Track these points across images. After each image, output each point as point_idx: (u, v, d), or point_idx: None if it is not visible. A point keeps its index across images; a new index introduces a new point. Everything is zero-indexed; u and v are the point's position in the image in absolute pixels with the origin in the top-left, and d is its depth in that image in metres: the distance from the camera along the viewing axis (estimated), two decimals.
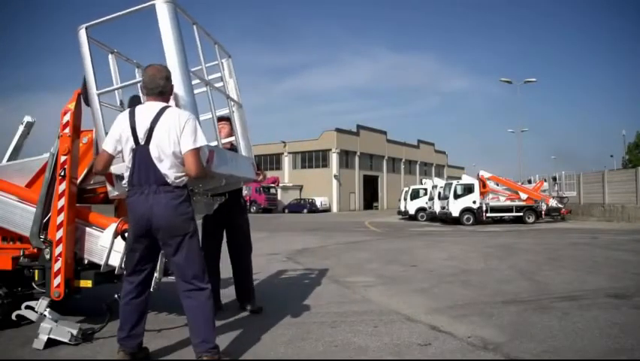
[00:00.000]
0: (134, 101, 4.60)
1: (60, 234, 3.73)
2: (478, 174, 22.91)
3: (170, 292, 4.49)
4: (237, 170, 3.98)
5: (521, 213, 22.02)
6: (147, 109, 3.10)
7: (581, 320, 4.23)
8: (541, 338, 3.69)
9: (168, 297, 4.79)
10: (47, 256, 3.78)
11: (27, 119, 4.88)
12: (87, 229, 3.98)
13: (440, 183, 26.29)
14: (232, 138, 4.44)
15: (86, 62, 3.63)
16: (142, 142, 3.03)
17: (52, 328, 3.55)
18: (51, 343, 3.54)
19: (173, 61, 3.25)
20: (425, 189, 28.15)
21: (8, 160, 4.67)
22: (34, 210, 3.92)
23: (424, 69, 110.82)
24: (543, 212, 22.25)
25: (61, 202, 3.76)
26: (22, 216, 4.00)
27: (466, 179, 24.11)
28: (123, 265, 3.83)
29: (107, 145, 3.16)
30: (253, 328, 4.04)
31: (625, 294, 5.32)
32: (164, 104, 3.13)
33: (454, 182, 23.85)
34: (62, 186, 3.77)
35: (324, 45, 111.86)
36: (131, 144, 3.06)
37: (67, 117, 3.82)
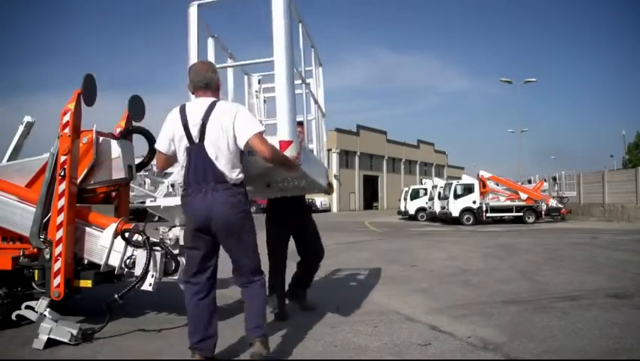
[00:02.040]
0: (134, 101, 4.62)
1: (60, 234, 3.74)
2: (478, 174, 22.88)
3: (170, 292, 4.50)
4: (317, 175, 3.94)
5: (521, 213, 21.99)
6: (196, 105, 3.03)
7: (581, 320, 4.23)
8: (541, 338, 3.69)
9: (168, 297, 4.80)
10: (47, 256, 3.79)
11: (27, 119, 4.89)
12: (87, 229, 3.99)
13: (440, 183, 26.25)
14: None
15: (191, 39, 3.47)
16: (196, 140, 2.96)
17: (52, 328, 3.55)
18: (51, 343, 3.54)
19: (280, 52, 3.15)
20: (425, 189, 28.12)
21: (8, 160, 4.67)
22: (34, 210, 3.92)
23: (424, 69, 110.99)
24: (543, 212, 22.22)
25: (61, 202, 3.76)
26: (22, 216, 4.00)
27: (466, 179, 24.07)
28: (121, 265, 3.85)
29: (161, 145, 3.13)
30: None
31: (625, 294, 5.31)
32: (213, 99, 3.06)
33: (454, 182, 23.82)
34: (62, 186, 3.78)
35: (324, 45, 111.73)
36: (185, 142, 2.99)
37: (67, 117, 3.82)
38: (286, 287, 4.56)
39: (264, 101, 4.62)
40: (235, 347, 3.58)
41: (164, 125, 3.12)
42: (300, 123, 4.06)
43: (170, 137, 3.07)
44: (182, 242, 3.82)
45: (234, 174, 2.99)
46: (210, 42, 3.86)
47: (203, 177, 2.95)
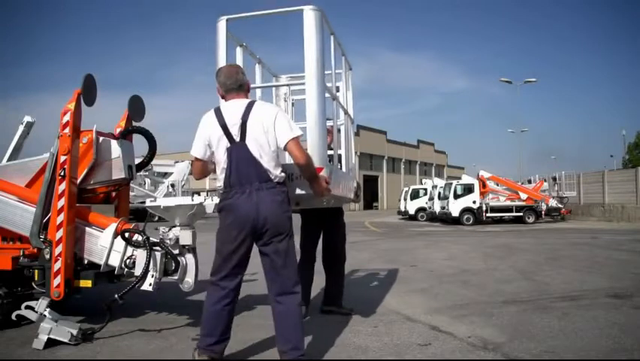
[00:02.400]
0: (134, 101, 4.62)
1: (60, 234, 3.73)
2: (478, 174, 22.90)
3: (170, 292, 4.50)
4: (345, 191, 3.97)
5: (521, 213, 22.01)
6: (233, 105, 2.98)
7: (581, 320, 4.23)
8: (541, 338, 3.69)
9: (168, 297, 4.81)
10: (47, 256, 3.78)
11: (27, 119, 4.89)
12: (87, 228, 3.98)
13: (440, 183, 26.27)
14: (331, 151, 4.12)
15: (220, 52, 3.50)
16: (237, 139, 2.89)
17: (52, 328, 3.55)
18: (51, 343, 3.53)
19: (311, 66, 3.21)
20: (425, 189, 28.13)
21: (8, 160, 4.67)
22: (34, 210, 3.92)
23: (424, 69, 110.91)
24: (543, 212, 22.22)
25: (61, 202, 3.76)
26: (22, 216, 4.00)
27: (466, 179, 24.09)
28: (121, 265, 3.85)
29: (196, 151, 3.03)
30: (252, 327, 4.04)
31: (625, 294, 5.31)
32: (250, 99, 3.04)
33: (454, 182, 23.84)
34: (62, 186, 3.77)
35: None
36: (225, 143, 2.91)
37: (67, 117, 3.82)
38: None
39: (292, 104, 4.65)
40: (234, 346, 3.58)
41: (199, 130, 3.01)
42: (329, 129, 4.05)
43: (206, 140, 2.97)
44: (182, 242, 3.82)
45: (278, 172, 2.95)
46: (239, 50, 3.89)
47: (247, 176, 2.87)
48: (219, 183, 2.98)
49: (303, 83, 3.44)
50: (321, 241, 4.61)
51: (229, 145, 2.91)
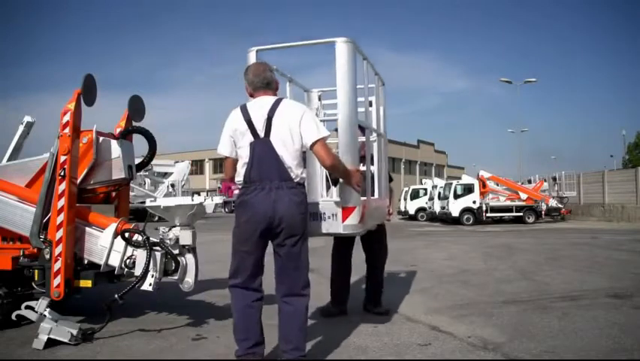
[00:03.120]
0: (134, 101, 4.62)
1: (60, 234, 3.73)
2: (478, 174, 22.90)
3: (170, 292, 4.50)
4: (378, 219, 4.10)
5: (521, 213, 22.01)
6: (260, 102, 2.95)
7: (581, 320, 4.23)
8: (541, 338, 3.69)
9: (168, 297, 4.81)
10: (47, 256, 3.78)
11: (27, 119, 4.89)
12: (87, 228, 3.98)
13: (440, 183, 26.28)
14: (363, 168, 4.01)
15: None
16: (261, 134, 2.85)
17: (52, 328, 3.55)
18: (51, 343, 3.53)
19: (344, 96, 3.30)
20: (425, 189, 28.13)
21: (8, 160, 4.67)
22: (34, 210, 3.92)
23: (424, 69, 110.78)
24: (543, 212, 22.23)
25: (61, 202, 3.76)
26: (22, 216, 4.00)
27: (466, 179, 24.09)
28: (121, 265, 3.85)
29: (223, 149, 3.00)
30: None
31: (625, 294, 5.32)
32: (277, 97, 3.02)
33: (454, 182, 23.84)
34: (62, 186, 3.77)
35: (325, 45, 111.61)
36: (249, 137, 2.87)
37: (67, 117, 3.82)
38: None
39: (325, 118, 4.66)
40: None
41: (225, 127, 2.98)
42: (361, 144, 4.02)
43: (231, 136, 2.94)
44: (182, 242, 3.82)
45: (299, 171, 2.90)
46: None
47: (268, 173, 2.82)
48: (239, 178, 2.94)
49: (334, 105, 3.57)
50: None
51: (252, 140, 2.87)
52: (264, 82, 3.02)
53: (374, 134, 4.27)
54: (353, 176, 3.14)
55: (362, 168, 3.75)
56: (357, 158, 3.44)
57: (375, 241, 4.52)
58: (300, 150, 2.91)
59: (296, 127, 2.87)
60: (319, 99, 4.50)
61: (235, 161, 3.01)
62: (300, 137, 2.88)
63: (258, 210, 2.82)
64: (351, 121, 3.35)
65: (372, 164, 4.22)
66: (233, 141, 2.95)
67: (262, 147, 2.85)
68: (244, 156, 2.90)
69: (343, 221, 3.21)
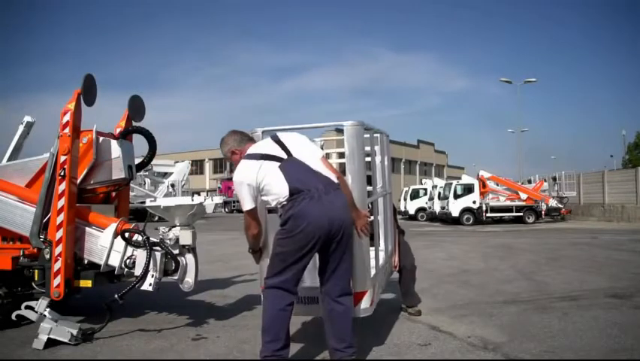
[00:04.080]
0: (134, 101, 4.62)
1: (60, 234, 3.74)
2: (478, 174, 22.88)
3: (170, 292, 4.50)
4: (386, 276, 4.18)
5: (521, 213, 21.98)
6: (259, 144, 3.07)
7: (581, 320, 4.23)
8: (541, 338, 3.69)
9: (168, 297, 4.81)
10: (47, 256, 3.79)
11: (27, 119, 4.89)
12: (87, 229, 3.99)
13: (440, 183, 26.25)
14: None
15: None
16: (285, 157, 2.91)
17: (52, 328, 3.55)
18: (51, 343, 3.53)
19: (353, 170, 3.37)
20: (425, 189, 28.10)
21: (8, 160, 4.67)
22: (34, 210, 3.92)
23: (425, 69, 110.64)
24: (543, 212, 22.19)
25: (61, 202, 3.76)
26: (22, 216, 4.00)
27: (466, 179, 24.07)
28: (121, 265, 3.85)
29: (250, 202, 2.91)
30: (252, 327, 4.04)
31: (625, 294, 5.32)
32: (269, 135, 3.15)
33: (454, 182, 23.81)
34: (62, 186, 3.77)
35: (325, 45, 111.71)
36: (274, 165, 2.87)
37: (67, 117, 3.82)
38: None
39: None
40: (236, 345, 3.58)
41: (241, 181, 2.91)
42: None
43: (251, 185, 2.88)
44: (182, 242, 3.82)
45: (334, 177, 2.95)
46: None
47: (309, 182, 2.84)
48: (277, 198, 2.87)
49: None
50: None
51: (279, 163, 2.89)
52: (247, 137, 3.20)
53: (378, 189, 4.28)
54: (361, 217, 3.09)
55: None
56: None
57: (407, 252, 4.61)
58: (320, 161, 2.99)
59: (306, 146, 3.02)
60: (322, 147, 4.49)
61: (257, 212, 3.01)
62: (312, 152, 3.01)
63: (314, 220, 2.79)
64: (361, 195, 3.39)
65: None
66: (255, 186, 2.90)
67: (292, 164, 2.90)
68: (275, 181, 2.86)
69: (355, 306, 3.16)
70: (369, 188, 3.87)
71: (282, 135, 3.05)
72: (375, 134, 4.16)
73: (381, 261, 3.94)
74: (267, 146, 2.99)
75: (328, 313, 2.97)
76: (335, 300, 2.95)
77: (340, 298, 2.96)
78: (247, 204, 2.92)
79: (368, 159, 3.83)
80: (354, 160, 3.37)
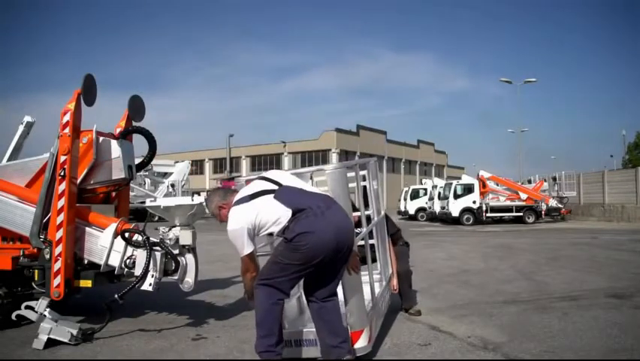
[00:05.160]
0: (134, 101, 4.62)
1: (60, 234, 3.74)
2: (478, 174, 22.89)
3: (170, 292, 4.50)
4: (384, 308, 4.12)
5: (521, 213, 21.99)
6: (244, 188, 3.09)
7: (581, 320, 4.23)
8: (541, 338, 3.69)
9: (168, 297, 4.81)
10: (47, 256, 3.79)
11: (27, 119, 4.89)
12: (87, 229, 3.99)
13: (440, 183, 26.25)
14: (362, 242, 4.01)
15: None
16: (276, 188, 2.95)
17: (52, 328, 3.55)
18: (51, 343, 3.53)
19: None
20: (425, 189, 28.10)
21: (8, 160, 4.67)
22: (34, 210, 3.92)
23: (425, 69, 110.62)
24: (543, 212, 22.20)
25: (61, 202, 3.76)
26: (22, 216, 4.00)
27: (466, 179, 24.07)
28: (121, 265, 3.85)
29: (248, 247, 2.88)
30: (252, 327, 4.03)
31: (625, 294, 5.32)
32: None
33: (454, 182, 23.81)
34: (62, 186, 3.77)
35: (325, 45, 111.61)
36: (268, 198, 2.89)
37: (67, 117, 3.82)
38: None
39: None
40: (237, 345, 3.58)
41: (241, 231, 2.86)
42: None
43: (249, 228, 2.86)
44: (182, 242, 3.82)
45: (329, 194, 3.07)
46: None
47: (308, 201, 2.88)
48: (281, 224, 2.85)
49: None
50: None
51: (273, 195, 2.91)
52: (228, 192, 3.21)
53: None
54: (353, 257, 3.11)
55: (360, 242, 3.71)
56: (361, 288, 3.37)
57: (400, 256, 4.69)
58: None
59: (293, 177, 3.12)
60: (311, 178, 4.47)
61: (255, 254, 3.02)
62: (302, 181, 3.12)
63: (321, 236, 2.79)
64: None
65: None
66: (252, 228, 2.88)
67: (286, 191, 2.95)
68: (274, 213, 2.86)
69: (352, 345, 3.14)
70: (365, 212, 3.91)
71: (267, 173, 3.14)
72: (361, 171, 4.21)
73: (377, 290, 3.91)
74: (254, 186, 3.02)
75: (317, 312, 3.00)
76: (321, 301, 2.99)
77: (326, 299, 3.00)
78: (247, 249, 2.88)
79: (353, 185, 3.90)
80: (340, 201, 3.25)
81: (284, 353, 2.96)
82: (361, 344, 3.18)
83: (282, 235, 2.88)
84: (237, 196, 3.03)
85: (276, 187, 2.96)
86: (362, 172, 4.34)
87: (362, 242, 3.75)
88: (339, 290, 3.14)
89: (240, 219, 2.89)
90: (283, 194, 2.92)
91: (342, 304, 3.18)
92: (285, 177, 3.09)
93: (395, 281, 4.45)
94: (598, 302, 4.94)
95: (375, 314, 3.61)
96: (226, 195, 3.17)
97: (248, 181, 3.30)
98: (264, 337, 2.86)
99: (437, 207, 23.90)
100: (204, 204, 3.50)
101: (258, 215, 2.86)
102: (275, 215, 2.85)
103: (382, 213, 4.52)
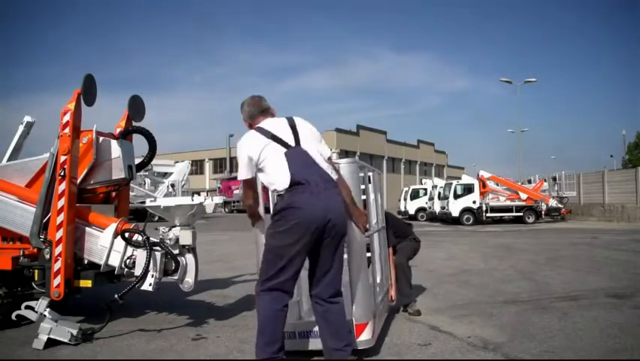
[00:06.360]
0: (134, 101, 4.62)
1: (60, 234, 3.74)
2: (478, 174, 22.89)
3: (170, 292, 4.50)
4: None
5: (521, 213, 22.00)
6: (272, 121, 3.03)
7: (581, 320, 4.23)
8: (541, 338, 3.69)
9: (168, 297, 4.81)
10: (47, 256, 3.78)
11: (27, 119, 4.89)
12: (87, 229, 3.98)
13: (440, 183, 26.27)
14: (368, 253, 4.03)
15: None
16: (292, 144, 2.90)
17: (52, 328, 3.55)
18: (51, 343, 3.53)
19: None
20: (425, 189, 28.11)
21: (8, 160, 4.67)
22: (34, 210, 3.92)
23: (425, 69, 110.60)
24: (543, 212, 22.21)
25: (61, 202, 3.76)
26: (22, 216, 4.00)
27: (466, 179, 24.08)
28: (121, 265, 3.85)
29: (245, 173, 2.93)
30: (252, 327, 4.03)
31: (625, 294, 5.32)
32: (285, 116, 3.09)
33: (454, 182, 23.82)
34: (62, 186, 3.77)
35: (325, 45, 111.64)
36: (279, 149, 2.87)
37: (67, 117, 3.82)
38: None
39: None
40: (237, 345, 3.58)
41: (242, 152, 2.94)
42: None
43: (251, 158, 2.90)
44: (182, 242, 3.82)
45: (335, 176, 2.97)
46: None
47: (311, 176, 2.83)
48: (274, 187, 2.92)
49: None
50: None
51: (286, 150, 2.88)
52: (260, 109, 3.12)
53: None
54: (361, 215, 3.17)
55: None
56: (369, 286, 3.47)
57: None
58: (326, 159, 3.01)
59: (316, 140, 3.02)
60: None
61: (256, 182, 3.05)
62: (322, 150, 3.02)
63: (311, 211, 2.78)
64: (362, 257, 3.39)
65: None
66: (255, 162, 2.91)
67: (298, 154, 2.89)
68: (276, 166, 2.87)
69: (357, 338, 3.16)
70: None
71: (297, 121, 3.02)
72: (368, 173, 4.20)
73: (380, 293, 3.93)
74: (280, 127, 2.96)
75: (322, 314, 2.96)
76: (328, 301, 2.95)
77: (333, 298, 2.96)
78: (242, 174, 2.96)
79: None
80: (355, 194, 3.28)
81: (289, 346, 2.97)
82: (365, 336, 3.18)
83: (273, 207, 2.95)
84: (265, 124, 2.99)
85: (293, 143, 2.91)
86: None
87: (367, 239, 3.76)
88: (344, 288, 3.12)
89: (249, 146, 2.93)
90: (293, 156, 2.87)
91: (346, 299, 3.18)
92: (308, 136, 2.98)
93: (393, 292, 4.44)
94: (598, 302, 4.93)
95: (378, 310, 3.62)
96: (253, 115, 3.12)
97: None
98: (267, 344, 2.81)
99: (437, 207, 23.91)
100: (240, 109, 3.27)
101: (264, 157, 2.88)
102: (276, 173, 2.87)
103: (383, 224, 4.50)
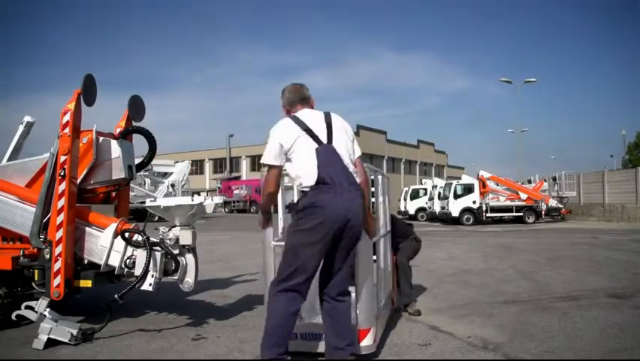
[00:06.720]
0: (134, 101, 4.62)
1: (60, 234, 3.74)
2: (478, 174, 22.89)
3: (170, 292, 4.50)
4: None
5: (521, 213, 21.99)
6: (310, 112, 3.03)
7: (581, 320, 4.23)
8: (541, 338, 3.69)
9: (168, 297, 4.81)
10: (47, 256, 3.78)
11: (27, 119, 4.89)
12: (87, 229, 3.99)
13: (440, 183, 26.26)
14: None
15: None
16: (324, 141, 2.90)
17: (52, 328, 3.55)
18: (51, 343, 3.53)
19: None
20: (425, 189, 28.10)
21: (8, 160, 4.67)
22: (34, 210, 3.92)
23: (425, 69, 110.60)
24: (543, 212, 22.21)
25: (61, 202, 3.76)
26: (22, 216, 4.00)
27: (466, 179, 24.08)
28: (121, 265, 3.85)
29: (274, 159, 2.90)
30: (252, 327, 4.04)
31: (625, 294, 5.32)
32: (323, 111, 3.09)
33: (454, 182, 23.82)
34: (62, 186, 3.77)
35: (325, 45, 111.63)
36: (311, 143, 2.87)
37: (67, 117, 3.82)
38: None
39: None
40: (237, 345, 3.58)
41: (274, 137, 2.92)
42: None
43: (282, 145, 2.89)
44: (182, 242, 3.82)
45: (358, 178, 2.98)
46: None
47: (337, 176, 2.85)
48: (300, 181, 2.91)
49: None
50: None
51: (317, 146, 2.88)
52: (300, 97, 3.11)
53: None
54: (374, 221, 3.23)
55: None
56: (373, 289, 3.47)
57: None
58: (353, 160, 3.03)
59: (350, 140, 3.04)
60: None
61: (281, 170, 3.00)
62: (352, 148, 3.04)
63: (334, 211, 2.80)
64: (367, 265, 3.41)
65: None
66: (285, 150, 2.90)
67: (328, 152, 2.89)
68: (305, 160, 2.87)
69: (359, 343, 3.17)
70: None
71: (334, 118, 3.03)
72: (378, 176, 4.19)
73: (382, 299, 3.92)
74: (315, 121, 2.96)
75: (329, 312, 2.97)
76: (335, 298, 2.96)
77: (340, 297, 2.98)
78: (269, 159, 2.91)
79: None
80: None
81: (294, 347, 3.01)
82: (367, 342, 3.19)
83: (294, 205, 2.93)
84: (302, 115, 2.99)
85: (325, 140, 2.90)
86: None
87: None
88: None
89: (282, 134, 2.92)
90: (324, 153, 2.87)
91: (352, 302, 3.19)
92: (342, 134, 2.99)
93: (395, 297, 4.44)
94: (598, 302, 4.94)
95: (381, 315, 3.63)
96: (292, 103, 3.11)
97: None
98: (273, 345, 2.80)
99: (437, 207, 23.91)
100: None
101: (295, 148, 2.88)
102: (303, 167, 2.87)
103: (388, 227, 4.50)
